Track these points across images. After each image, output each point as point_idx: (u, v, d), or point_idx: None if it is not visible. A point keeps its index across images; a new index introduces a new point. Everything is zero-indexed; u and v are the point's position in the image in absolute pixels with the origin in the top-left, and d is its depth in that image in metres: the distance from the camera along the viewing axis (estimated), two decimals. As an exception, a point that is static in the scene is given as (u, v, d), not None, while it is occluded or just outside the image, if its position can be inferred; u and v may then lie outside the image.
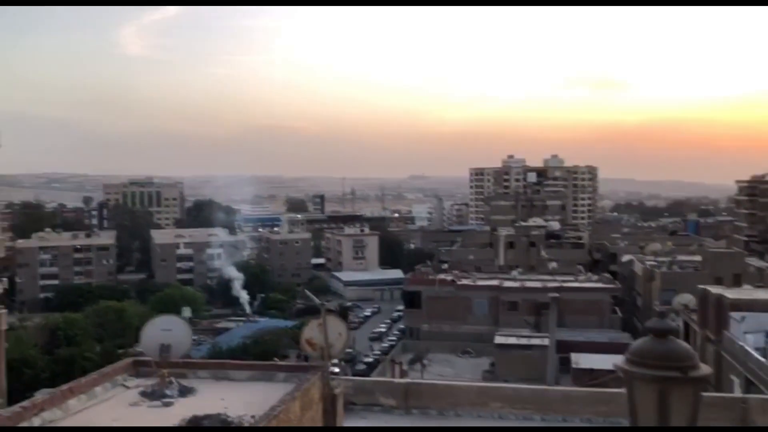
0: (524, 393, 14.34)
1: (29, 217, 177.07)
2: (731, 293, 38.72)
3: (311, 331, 12.56)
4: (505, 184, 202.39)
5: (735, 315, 35.08)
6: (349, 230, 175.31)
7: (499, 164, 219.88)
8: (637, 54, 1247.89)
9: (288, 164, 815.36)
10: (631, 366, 4.85)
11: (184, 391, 11.66)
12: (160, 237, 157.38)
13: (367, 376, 53.84)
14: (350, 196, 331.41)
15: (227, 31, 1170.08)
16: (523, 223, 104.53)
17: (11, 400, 47.06)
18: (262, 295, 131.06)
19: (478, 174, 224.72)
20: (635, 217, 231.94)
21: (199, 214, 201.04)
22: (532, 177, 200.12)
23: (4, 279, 56.32)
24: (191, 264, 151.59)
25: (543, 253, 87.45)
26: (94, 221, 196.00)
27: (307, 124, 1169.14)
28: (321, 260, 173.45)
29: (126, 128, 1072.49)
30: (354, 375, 57.85)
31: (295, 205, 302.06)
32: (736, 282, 55.47)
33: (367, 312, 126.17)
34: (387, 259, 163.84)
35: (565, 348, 46.97)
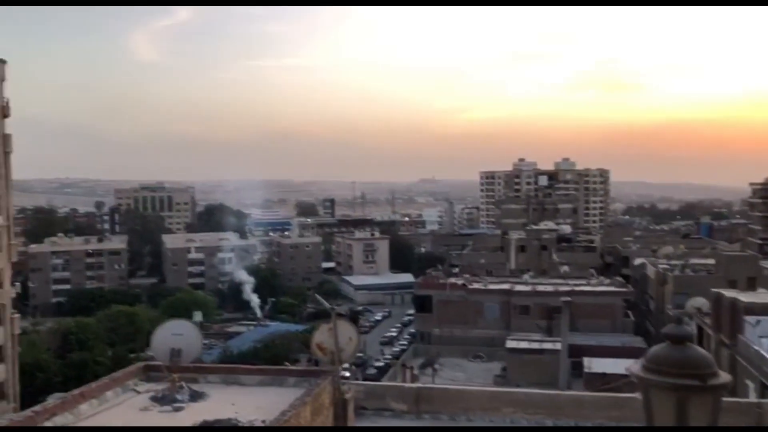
0: (536, 398, 14.22)
1: (42, 222, 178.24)
2: (745, 297, 38.35)
3: (322, 335, 12.52)
4: (516, 187, 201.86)
5: (749, 319, 34.74)
6: (359, 234, 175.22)
7: (509, 167, 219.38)
8: (649, 55, 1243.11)
9: (298, 168, 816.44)
10: (647, 373, 4.70)
11: (195, 396, 11.64)
12: (171, 241, 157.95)
13: (378, 380, 53.76)
14: (360, 200, 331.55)
15: (237, 36, 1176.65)
16: (535, 227, 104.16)
17: (24, 404, 47.26)
18: (273, 299, 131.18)
19: (489, 177, 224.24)
20: (647, 220, 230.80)
21: (210, 218, 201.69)
22: (543, 180, 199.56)
23: (17, 284, 56.85)
24: (202, 268, 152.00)
25: (554, 256, 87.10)
26: (106, 226, 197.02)
27: (317, 128, 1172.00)
28: (331, 264, 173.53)
29: (137, 133, 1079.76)
30: (365, 379, 57.86)
31: (306, 209, 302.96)
32: (751, 285, 54.83)
33: (378, 316, 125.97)
34: (397, 263, 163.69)
35: (577, 352, 46.73)
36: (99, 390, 11.63)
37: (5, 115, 49.57)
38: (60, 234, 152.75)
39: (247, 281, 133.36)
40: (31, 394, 51.14)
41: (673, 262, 71.63)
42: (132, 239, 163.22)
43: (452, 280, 69.15)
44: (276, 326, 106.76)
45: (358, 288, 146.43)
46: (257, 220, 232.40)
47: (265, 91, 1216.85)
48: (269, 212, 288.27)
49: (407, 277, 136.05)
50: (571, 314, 50.37)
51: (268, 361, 64.53)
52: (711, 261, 69.79)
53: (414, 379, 44.00)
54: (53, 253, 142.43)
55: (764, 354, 32.05)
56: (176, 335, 12.63)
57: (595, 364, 44.00)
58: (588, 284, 67.15)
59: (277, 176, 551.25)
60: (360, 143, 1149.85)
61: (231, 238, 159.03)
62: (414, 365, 53.36)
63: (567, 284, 66.64)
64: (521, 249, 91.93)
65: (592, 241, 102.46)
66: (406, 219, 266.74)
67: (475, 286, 66.80)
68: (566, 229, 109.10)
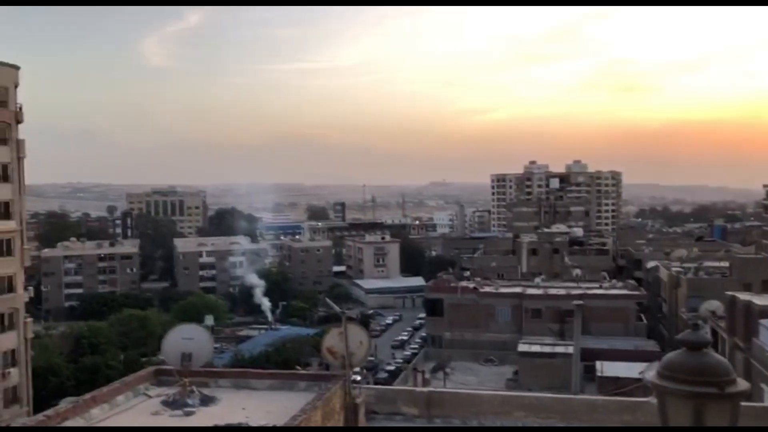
0: (548, 402, 14.11)
1: (54, 227, 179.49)
2: (760, 300, 37.96)
3: (332, 339, 12.49)
4: (528, 190, 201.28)
5: (764, 322, 34.38)
6: (370, 238, 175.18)
7: (521, 170, 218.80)
8: (662, 55, 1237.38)
9: (309, 172, 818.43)
10: (662, 380, 4.56)
11: (206, 400, 11.63)
12: (182, 245, 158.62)
13: (389, 384, 53.64)
14: (371, 203, 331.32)
15: (247, 41, 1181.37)
16: (546, 230, 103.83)
17: (37, 408, 47.47)
18: (284, 303, 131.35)
19: (500, 180, 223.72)
20: (660, 223, 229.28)
21: (222, 222, 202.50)
22: (554, 183, 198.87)
23: (30, 288, 57.19)
24: (214, 272, 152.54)
25: (566, 259, 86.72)
26: (118, 230, 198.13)
27: (327, 132, 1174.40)
28: (342, 268, 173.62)
29: (149, 137, 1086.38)
30: (376, 383, 57.72)
31: (316, 213, 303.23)
32: (765, 288, 54.28)
33: (389, 320, 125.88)
34: (408, 267, 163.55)
35: (589, 356, 46.40)
36: (110, 394, 11.65)
37: (19, 121, 49.96)
38: (72, 238, 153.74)
39: (258, 285, 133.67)
40: (44, 398, 51.44)
41: (687, 265, 71.03)
42: (144, 243, 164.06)
43: (463, 283, 68.90)
44: (287, 330, 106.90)
45: (368, 291, 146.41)
46: (268, 223, 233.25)
47: (276, 95, 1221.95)
48: (280, 216, 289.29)
49: (418, 281, 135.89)
50: (584, 318, 50.06)
51: (279, 365, 64.59)
52: (725, 264, 69.18)
53: (425, 383, 43.90)
54: (66, 257, 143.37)
55: (779, 358, 31.72)
56: (187, 339, 12.64)
57: (608, 368, 43.68)
58: (600, 287, 66.74)
59: (287, 180, 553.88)
60: (370, 147, 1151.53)
61: (242, 242, 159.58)
62: (425, 369, 53.23)
63: (579, 287, 66.25)
64: (533, 252, 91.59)
65: (604, 244, 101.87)
66: (417, 222, 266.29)
67: (487, 289, 66.54)
68: (578, 232, 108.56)
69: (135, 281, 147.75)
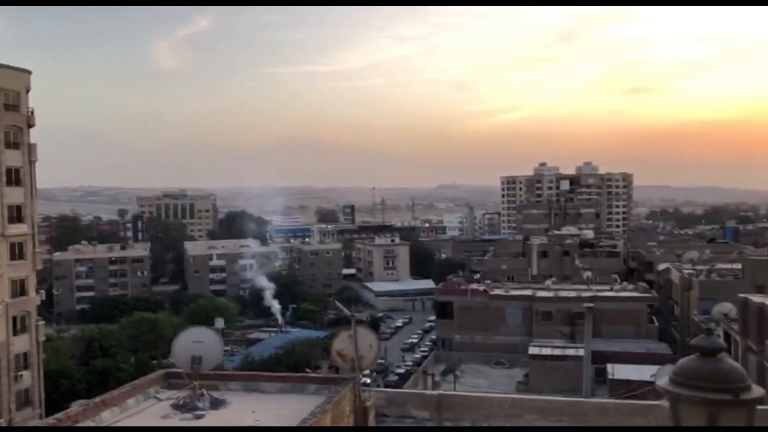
0: (559, 405, 14.01)
1: (66, 230, 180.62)
2: (773, 302, 37.62)
3: (342, 342, 12.45)
4: (538, 192, 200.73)
5: (777, 324, 34.07)
6: (379, 240, 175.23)
7: (531, 172, 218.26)
8: (672, 56, 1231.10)
9: (318, 175, 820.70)
10: (676, 387, 4.47)
11: (216, 404, 11.63)
12: (193, 248, 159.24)
13: (399, 387, 53.57)
14: (380, 206, 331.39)
15: (256, 44, 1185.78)
16: (557, 232, 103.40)
17: (48, 410, 47.64)
18: (294, 305, 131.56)
19: (510, 182, 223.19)
20: (671, 225, 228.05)
21: (232, 225, 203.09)
22: (564, 185, 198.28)
23: (42, 291, 57.50)
24: (224, 275, 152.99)
25: (577, 262, 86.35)
26: (129, 233, 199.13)
27: (337, 134, 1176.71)
28: (352, 270, 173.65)
29: (159, 141, 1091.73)
30: (386, 386, 57.70)
31: (326, 216, 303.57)
32: (778, 290, 53.87)
33: (399, 322, 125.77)
34: (418, 269, 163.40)
35: (600, 359, 46.11)
36: (120, 397, 11.67)
37: (30, 125, 50.30)
38: (84, 242, 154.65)
39: (268, 288, 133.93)
40: (55, 401, 51.71)
41: (699, 267, 70.58)
42: (154, 246, 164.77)
43: (473, 286, 68.71)
44: (297, 333, 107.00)
45: (378, 294, 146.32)
46: (278, 226, 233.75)
47: (285, 98, 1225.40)
48: (290, 219, 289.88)
49: (428, 284, 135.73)
50: (595, 320, 49.75)
51: (289, 367, 64.66)
52: (737, 266, 68.67)
53: (435, 386, 43.81)
54: (77, 260, 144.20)
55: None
56: (197, 342, 12.64)
57: (619, 371, 43.41)
58: (611, 290, 66.42)
59: (297, 183, 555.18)
60: (380, 149, 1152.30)
61: (252, 245, 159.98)
62: (435, 372, 53.13)
63: (590, 290, 65.94)
64: (543, 254, 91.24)
65: (615, 246, 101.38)
66: (427, 225, 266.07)
67: (497, 292, 66.33)
68: (589, 234, 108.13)
69: (146, 284, 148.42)
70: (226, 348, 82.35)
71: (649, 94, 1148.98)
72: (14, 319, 48.72)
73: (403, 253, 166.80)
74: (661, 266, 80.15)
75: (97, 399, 11.47)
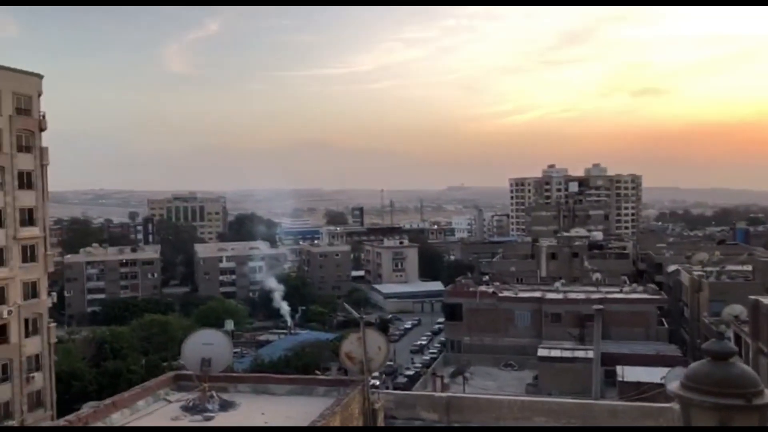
0: (569, 407, 14.01)
1: (77, 233, 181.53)
2: (784, 304, 37.42)
3: (351, 344, 12.48)
4: (547, 194, 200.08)
5: (789, 326, 33.87)
6: (388, 242, 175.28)
7: (539, 174, 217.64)
8: (681, 57, 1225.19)
9: (327, 178, 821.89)
10: (687, 392, 4.42)
11: (225, 406, 11.69)
12: (203, 251, 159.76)
13: (408, 389, 53.58)
14: (389, 208, 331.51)
15: (266, 48, 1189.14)
16: (566, 234, 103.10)
17: (60, 412, 47.90)
18: (303, 307, 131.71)
19: (519, 184, 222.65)
20: (681, 227, 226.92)
21: (241, 227, 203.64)
22: (573, 187, 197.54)
23: (54, 293, 57.86)
24: (234, 277, 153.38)
25: (586, 263, 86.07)
26: (140, 236, 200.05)
27: (345, 137, 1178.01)
28: (361, 272, 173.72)
29: (169, 144, 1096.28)
30: (395, 389, 57.69)
31: (335, 218, 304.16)
32: (789, 292, 53.49)
33: (408, 324, 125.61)
34: (427, 271, 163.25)
35: (610, 360, 45.96)
36: (131, 399, 11.76)
37: (42, 129, 50.67)
38: (95, 244, 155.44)
39: (278, 290, 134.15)
40: (66, 402, 51.98)
41: (708, 268, 70.18)
42: (165, 249, 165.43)
43: (482, 288, 68.65)
44: (306, 335, 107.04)
45: (387, 296, 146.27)
46: (287, 229, 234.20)
47: (294, 101, 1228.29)
48: (299, 221, 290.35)
49: (437, 285, 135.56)
50: (604, 322, 49.57)
51: (299, 369, 64.71)
52: (748, 267, 68.27)
53: (445, 388, 43.79)
54: (88, 263, 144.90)
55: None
56: (207, 344, 12.70)
57: (629, 373, 43.27)
58: (621, 291, 66.19)
59: (306, 185, 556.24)
60: (388, 151, 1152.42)
61: (261, 247, 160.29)
62: (444, 374, 53.13)
63: (599, 292, 65.75)
64: (552, 256, 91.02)
65: (624, 248, 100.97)
66: (435, 227, 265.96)
67: (506, 294, 66.25)
68: (598, 235, 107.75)
69: (156, 286, 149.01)
70: (236, 350, 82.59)
71: (659, 95, 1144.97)
72: (26, 321, 49.07)
73: (412, 255, 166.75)
74: (671, 268, 79.78)
75: (108, 401, 11.56)
